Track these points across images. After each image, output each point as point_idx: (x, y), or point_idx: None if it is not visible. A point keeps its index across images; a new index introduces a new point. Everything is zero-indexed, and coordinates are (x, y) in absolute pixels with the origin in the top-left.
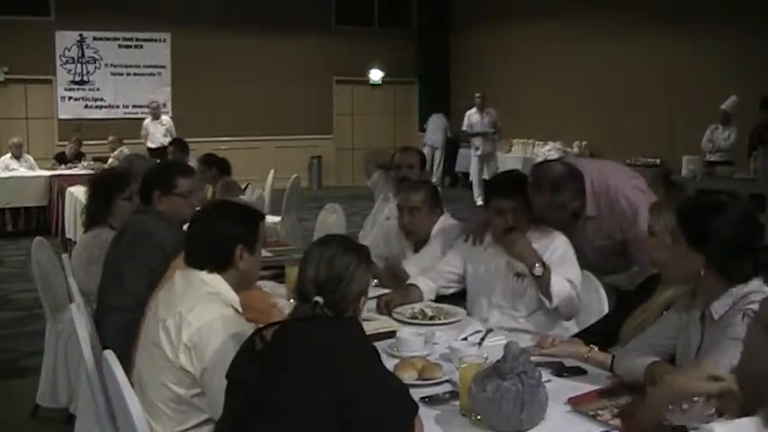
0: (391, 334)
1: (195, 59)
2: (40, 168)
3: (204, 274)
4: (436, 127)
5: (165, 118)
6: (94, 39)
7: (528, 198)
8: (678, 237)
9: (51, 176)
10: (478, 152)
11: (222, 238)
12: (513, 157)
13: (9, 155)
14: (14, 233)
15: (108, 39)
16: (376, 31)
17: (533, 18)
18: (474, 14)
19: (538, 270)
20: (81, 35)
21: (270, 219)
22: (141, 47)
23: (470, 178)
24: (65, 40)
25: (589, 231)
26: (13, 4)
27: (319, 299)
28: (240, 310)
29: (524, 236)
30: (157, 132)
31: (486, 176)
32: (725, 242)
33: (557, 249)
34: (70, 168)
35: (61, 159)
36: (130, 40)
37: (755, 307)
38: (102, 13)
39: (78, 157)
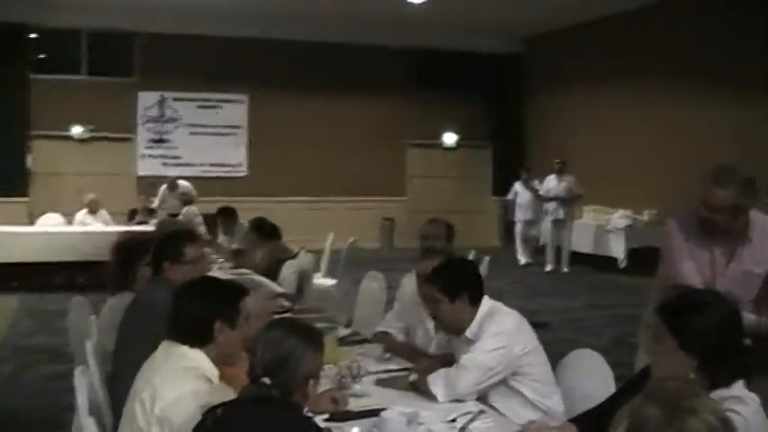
0: (377, 412)
1: (271, 120)
2: (116, 223)
3: (186, 349)
4: (527, 202)
5: (183, 183)
6: (174, 99)
7: None
8: (664, 337)
9: (122, 232)
10: (551, 217)
11: (200, 314)
12: (584, 224)
13: (86, 210)
14: (84, 286)
15: (187, 99)
16: (450, 95)
17: (607, 81)
18: (548, 79)
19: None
20: (162, 95)
21: (326, 281)
22: (219, 107)
23: (540, 243)
24: (146, 99)
25: (744, 257)
26: (100, 66)
27: (266, 380)
28: (217, 383)
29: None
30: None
31: (559, 243)
32: (711, 345)
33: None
34: (141, 224)
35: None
36: (209, 100)
37: (733, 415)
38: (183, 75)
39: (150, 213)
